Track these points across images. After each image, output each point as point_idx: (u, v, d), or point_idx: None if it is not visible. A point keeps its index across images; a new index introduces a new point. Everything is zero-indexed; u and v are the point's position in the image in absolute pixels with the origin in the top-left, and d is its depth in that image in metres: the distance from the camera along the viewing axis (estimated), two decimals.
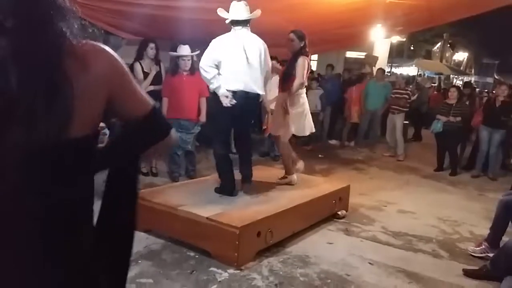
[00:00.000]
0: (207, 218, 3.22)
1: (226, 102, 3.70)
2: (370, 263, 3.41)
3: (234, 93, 3.72)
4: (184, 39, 5.50)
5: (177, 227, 3.38)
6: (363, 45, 9.81)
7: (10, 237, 0.85)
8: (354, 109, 8.86)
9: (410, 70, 20.12)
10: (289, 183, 4.45)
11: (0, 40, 0.77)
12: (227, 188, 3.87)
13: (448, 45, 23.23)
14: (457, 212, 5.09)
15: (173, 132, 1.13)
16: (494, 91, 14.16)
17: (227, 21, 3.84)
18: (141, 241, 3.46)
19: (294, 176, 4.49)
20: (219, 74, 3.73)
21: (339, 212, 4.44)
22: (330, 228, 4.15)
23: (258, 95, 3.90)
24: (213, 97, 3.87)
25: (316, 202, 4.08)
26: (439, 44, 22.21)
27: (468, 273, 3.33)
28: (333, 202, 4.37)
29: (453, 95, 7.18)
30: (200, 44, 5.92)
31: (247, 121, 4.09)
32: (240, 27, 3.81)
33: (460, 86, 10.87)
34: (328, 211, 4.32)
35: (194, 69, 5.17)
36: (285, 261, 3.31)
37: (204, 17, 5.05)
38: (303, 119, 4.38)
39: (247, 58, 3.76)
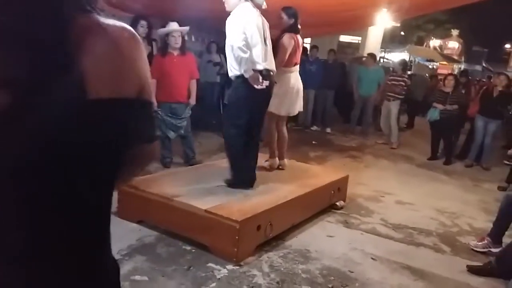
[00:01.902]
0: (205, 210, 3.05)
1: (258, 84, 3.42)
2: (372, 258, 3.30)
3: (260, 73, 3.47)
4: (178, 17, 5.22)
5: (173, 219, 3.21)
6: (360, 29, 9.59)
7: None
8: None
9: (401, 56, 20.00)
10: (270, 167, 4.33)
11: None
12: (246, 181, 3.65)
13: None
14: (454, 203, 5.02)
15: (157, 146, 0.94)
16: (483, 79, 14.22)
17: None
18: (134, 232, 3.29)
19: (276, 160, 4.37)
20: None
21: (337, 203, 4.32)
22: (329, 220, 4.03)
23: (274, 73, 3.69)
24: (236, 80, 3.53)
25: (316, 193, 3.94)
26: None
27: (472, 270, 3.25)
28: (332, 193, 4.24)
29: (449, 83, 7.07)
30: (191, 23, 5.68)
31: (267, 105, 3.79)
32: (250, 2, 3.52)
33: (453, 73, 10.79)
34: (327, 202, 4.19)
35: (184, 49, 4.93)
36: (286, 256, 3.17)
37: None
38: (282, 98, 4.14)
39: (264, 34, 3.56)
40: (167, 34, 4.87)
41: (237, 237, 2.91)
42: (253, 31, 3.42)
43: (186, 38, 5.06)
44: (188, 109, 5.10)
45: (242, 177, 3.65)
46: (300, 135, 8.33)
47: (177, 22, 4.95)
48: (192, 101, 5.07)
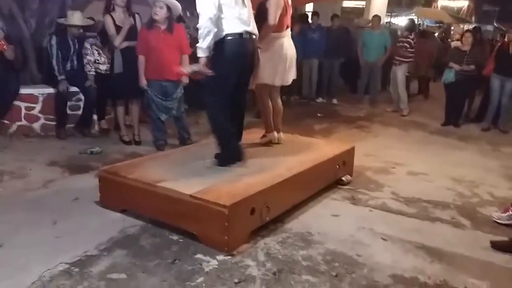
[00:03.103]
0: (190, 195, 2.71)
1: (198, 71, 3.19)
2: (383, 238, 2.94)
3: (240, 36, 3.12)
4: None
5: (157, 207, 2.88)
6: None
7: None
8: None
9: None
10: (270, 142, 4.00)
11: None
12: (232, 155, 3.37)
13: None
14: (473, 171, 4.62)
15: None
16: (497, 39, 13.47)
17: None
18: (117, 223, 2.97)
19: (275, 134, 4.02)
20: (220, 18, 3.08)
21: (343, 178, 3.95)
22: (334, 197, 3.67)
23: (256, 36, 3.33)
24: (214, 45, 3.15)
25: (318, 168, 3.57)
26: None
27: (496, 246, 2.88)
28: (337, 167, 3.87)
29: (467, 41, 6.55)
30: None
31: (249, 74, 3.42)
32: None
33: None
34: (332, 178, 3.83)
35: (171, 25, 4.51)
36: (285, 241, 2.83)
37: None
38: (275, 66, 3.72)
39: None
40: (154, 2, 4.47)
41: (226, 224, 2.57)
42: None
43: (172, 15, 4.58)
44: (180, 88, 4.73)
45: (230, 153, 3.35)
46: (305, 108, 7.94)
47: None
48: (185, 79, 4.70)
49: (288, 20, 3.75)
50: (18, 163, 4.14)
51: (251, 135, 4.22)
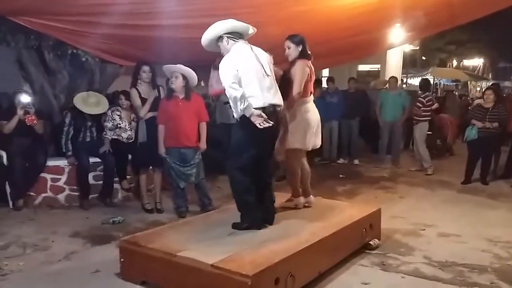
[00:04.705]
0: (211, 265, 2.62)
1: (260, 122, 3.12)
2: None
3: (264, 110, 3.19)
4: (188, 62, 4.99)
5: (177, 278, 2.78)
6: (377, 53, 9.25)
7: None
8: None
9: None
10: (296, 207, 3.94)
11: None
12: (254, 223, 3.34)
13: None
14: (508, 230, 4.39)
15: None
16: None
17: (224, 34, 3.32)
18: None
19: (301, 199, 3.98)
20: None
21: (371, 242, 3.80)
22: (363, 263, 3.50)
23: (280, 107, 3.42)
24: (240, 120, 3.27)
25: (344, 232, 3.45)
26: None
27: None
28: (364, 231, 3.73)
29: (489, 98, 6.50)
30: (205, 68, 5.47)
31: (273, 142, 3.53)
32: (242, 40, 3.37)
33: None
34: (359, 242, 3.68)
35: (188, 94, 4.67)
36: None
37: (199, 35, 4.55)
38: (304, 131, 3.76)
39: (263, 68, 3.30)
40: (171, 74, 4.67)
41: None
42: (246, 68, 3.20)
43: (189, 84, 4.74)
44: (198, 154, 4.78)
45: (250, 219, 3.31)
46: (327, 169, 7.87)
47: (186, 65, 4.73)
48: (202, 145, 4.77)
49: (311, 87, 3.86)
50: (41, 235, 4.15)
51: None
